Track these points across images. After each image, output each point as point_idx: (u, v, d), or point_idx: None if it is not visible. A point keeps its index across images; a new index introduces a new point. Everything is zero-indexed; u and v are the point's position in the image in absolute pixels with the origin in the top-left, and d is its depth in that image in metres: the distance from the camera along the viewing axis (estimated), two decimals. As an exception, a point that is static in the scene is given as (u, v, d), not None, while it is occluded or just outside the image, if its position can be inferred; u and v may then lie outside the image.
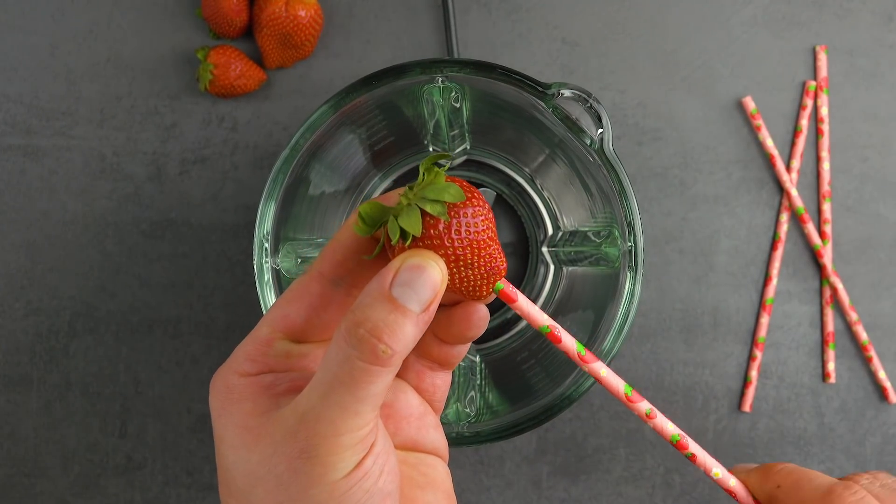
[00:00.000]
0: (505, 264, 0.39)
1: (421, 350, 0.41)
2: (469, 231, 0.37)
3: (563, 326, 0.59)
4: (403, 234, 0.36)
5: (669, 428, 0.42)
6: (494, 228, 0.39)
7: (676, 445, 0.42)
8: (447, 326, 0.40)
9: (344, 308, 0.40)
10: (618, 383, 0.41)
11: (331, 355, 0.35)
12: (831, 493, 0.40)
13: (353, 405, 0.34)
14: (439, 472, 0.41)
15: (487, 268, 0.38)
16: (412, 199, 0.36)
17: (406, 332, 0.35)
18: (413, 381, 0.41)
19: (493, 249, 0.38)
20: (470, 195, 0.38)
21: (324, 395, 0.34)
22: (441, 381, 0.42)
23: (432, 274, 0.36)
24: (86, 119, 0.69)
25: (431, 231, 0.37)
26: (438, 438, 0.42)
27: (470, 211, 0.37)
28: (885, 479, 0.42)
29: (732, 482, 0.43)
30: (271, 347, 0.39)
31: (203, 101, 0.69)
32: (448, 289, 0.38)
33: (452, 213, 0.37)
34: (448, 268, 0.37)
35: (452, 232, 0.37)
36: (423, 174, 0.37)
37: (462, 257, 0.37)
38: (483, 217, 0.38)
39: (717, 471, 0.42)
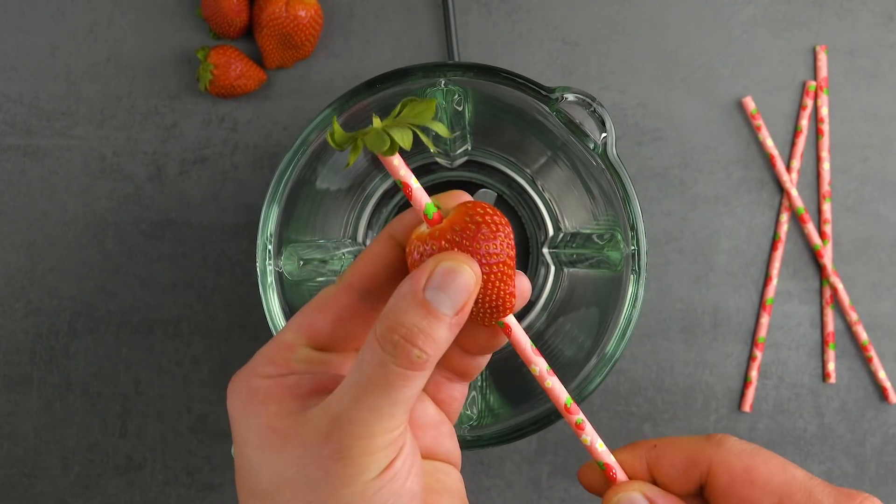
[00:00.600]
0: (513, 303, 0.38)
1: (441, 361, 0.41)
2: (485, 263, 0.37)
3: (563, 327, 0.59)
4: (392, 147, 0.36)
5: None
6: (513, 265, 0.38)
7: (569, 414, 0.41)
8: (472, 335, 0.40)
9: (369, 322, 0.40)
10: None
11: (365, 358, 0.35)
12: (713, 434, 0.41)
13: (388, 408, 0.35)
14: (454, 478, 0.41)
15: (492, 305, 0.38)
16: (393, 125, 0.36)
17: (440, 336, 0.35)
18: (431, 392, 0.41)
19: (505, 287, 0.38)
20: (496, 228, 0.37)
21: (357, 398, 0.35)
22: (458, 393, 0.42)
23: (466, 277, 0.36)
24: (86, 119, 0.69)
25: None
26: (453, 447, 0.42)
27: (492, 245, 0.37)
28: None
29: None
30: (294, 353, 0.39)
31: (203, 101, 0.69)
32: None
33: (475, 241, 0.36)
34: None
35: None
36: (415, 106, 0.37)
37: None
38: (503, 254, 0.37)
39: (590, 440, 0.42)
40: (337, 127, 0.37)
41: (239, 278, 0.69)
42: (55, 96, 0.69)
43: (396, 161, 0.37)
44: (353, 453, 0.34)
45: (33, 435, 0.69)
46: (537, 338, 0.61)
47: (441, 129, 0.37)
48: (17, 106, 0.69)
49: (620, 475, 0.41)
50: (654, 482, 0.42)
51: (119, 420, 0.69)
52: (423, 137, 0.36)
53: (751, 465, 0.39)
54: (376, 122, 0.36)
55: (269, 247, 0.50)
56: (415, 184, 0.37)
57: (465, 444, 0.49)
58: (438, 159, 0.60)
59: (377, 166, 0.59)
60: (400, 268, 0.39)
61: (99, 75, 0.69)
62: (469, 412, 0.54)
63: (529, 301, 0.63)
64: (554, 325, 0.60)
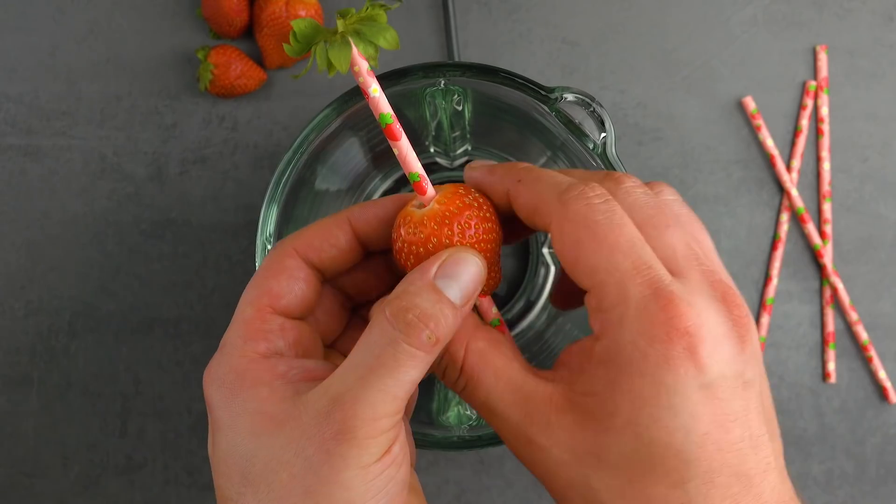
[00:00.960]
0: (490, 286, 0.40)
1: None
2: (466, 236, 0.38)
3: (563, 327, 0.59)
4: (330, 67, 0.37)
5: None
6: (496, 240, 0.40)
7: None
8: None
9: (313, 286, 0.41)
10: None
11: (372, 339, 0.35)
12: (570, 189, 0.37)
13: (394, 389, 0.35)
14: (413, 477, 0.41)
15: None
16: (347, 30, 0.36)
17: (449, 322, 0.36)
18: None
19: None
20: (465, 207, 0.39)
21: (363, 378, 0.35)
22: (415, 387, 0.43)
23: (475, 269, 0.37)
24: (86, 119, 0.69)
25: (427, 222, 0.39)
26: (411, 444, 0.42)
27: (473, 221, 0.39)
28: (636, 185, 0.38)
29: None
30: (265, 323, 0.39)
31: (203, 101, 0.69)
32: None
33: (453, 216, 0.38)
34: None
35: (455, 227, 0.38)
36: (367, 6, 0.37)
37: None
38: (482, 227, 0.39)
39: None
40: (299, 27, 0.37)
41: (239, 278, 0.69)
42: (55, 96, 0.69)
43: (356, 68, 0.37)
44: (357, 434, 0.34)
45: (33, 435, 0.69)
46: (538, 338, 0.61)
47: (390, 38, 0.37)
48: (17, 106, 0.69)
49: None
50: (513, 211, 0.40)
51: (119, 420, 0.69)
52: (363, 50, 0.36)
53: (581, 239, 0.35)
54: (340, 23, 0.36)
55: (269, 247, 0.50)
56: (374, 93, 0.38)
57: (465, 443, 0.49)
58: (438, 159, 0.60)
59: (377, 166, 0.59)
60: (347, 250, 0.40)
61: (99, 75, 0.69)
62: (469, 412, 0.54)
63: (529, 300, 0.63)
64: (554, 324, 0.60)
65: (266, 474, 0.35)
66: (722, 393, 0.34)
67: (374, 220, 0.41)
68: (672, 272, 0.35)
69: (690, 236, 0.37)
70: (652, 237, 0.36)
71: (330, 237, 0.40)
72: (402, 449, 0.36)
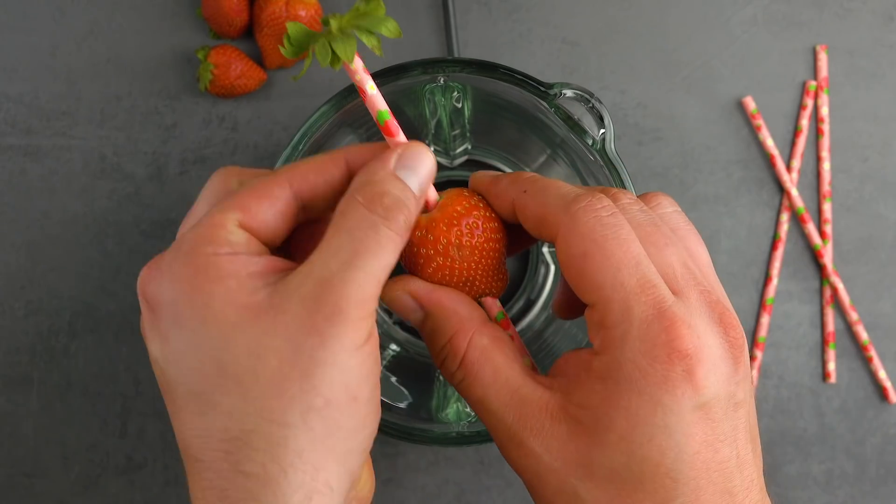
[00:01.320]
0: (498, 287, 0.41)
1: None
2: (475, 235, 0.39)
3: (563, 326, 0.59)
4: (334, 60, 0.37)
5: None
6: (502, 241, 0.40)
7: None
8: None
9: (290, 219, 0.39)
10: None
11: (352, 223, 0.35)
12: (577, 200, 0.37)
13: (377, 272, 0.35)
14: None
15: (470, 285, 0.40)
16: (345, 26, 0.37)
17: (413, 210, 0.37)
18: None
19: (482, 273, 0.40)
20: (472, 208, 0.40)
21: (348, 262, 0.34)
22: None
23: (429, 162, 0.38)
24: (86, 119, 0.69)
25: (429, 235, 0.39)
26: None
27: (481, 222, 0.39)
28: (632, 202, 0.39)
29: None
30: (232, 234, 0.36)
31: (203, 101, 0.69)
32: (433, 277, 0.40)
33: (461, 217, 0.39)
34: (437, 265, 0.39)
35: (464, 227, 0.39)
36: (359, 5, 0.37)
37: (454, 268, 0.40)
38: (490, 226, 0.39)
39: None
40: (294, 29, 0.37)
41: (239, 278, 0.69)
42: (55, 96, 0.69)
43: (353, 66, 0.38)
44: (351, 316, 0.34)
45: (33, 435, 0.69)
46: (537, 337, 0.61)
47: (392, 27, 0.37)
48: (17, 106, 0.69)
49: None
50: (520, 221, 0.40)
51: (119, 420, 0.69)
52: (366, 41, 0.37)
53: (588, 252, 0.36)
54: (334, 23, 0.37)
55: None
56: (370, 90, 0.39)
57: (463, 439, 0.49)
58: (438, 158, 0.60)
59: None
60: (340, 191, 0.39)
61: (99, 75, 0.69)
62: (468, 409, 0.54)
63: (529, 299, 0.63)
64: (553, 324, 0.60)
65: (251, 362, 0.34)
66: (714, 413, 0.35)
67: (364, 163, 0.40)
68: (672, 291, 0.36)
69: (687, 253, 0.38)
70: (651, 254, 0.36)
71: (326, 174, 0.39)
72: (377, 332, 0.36)
